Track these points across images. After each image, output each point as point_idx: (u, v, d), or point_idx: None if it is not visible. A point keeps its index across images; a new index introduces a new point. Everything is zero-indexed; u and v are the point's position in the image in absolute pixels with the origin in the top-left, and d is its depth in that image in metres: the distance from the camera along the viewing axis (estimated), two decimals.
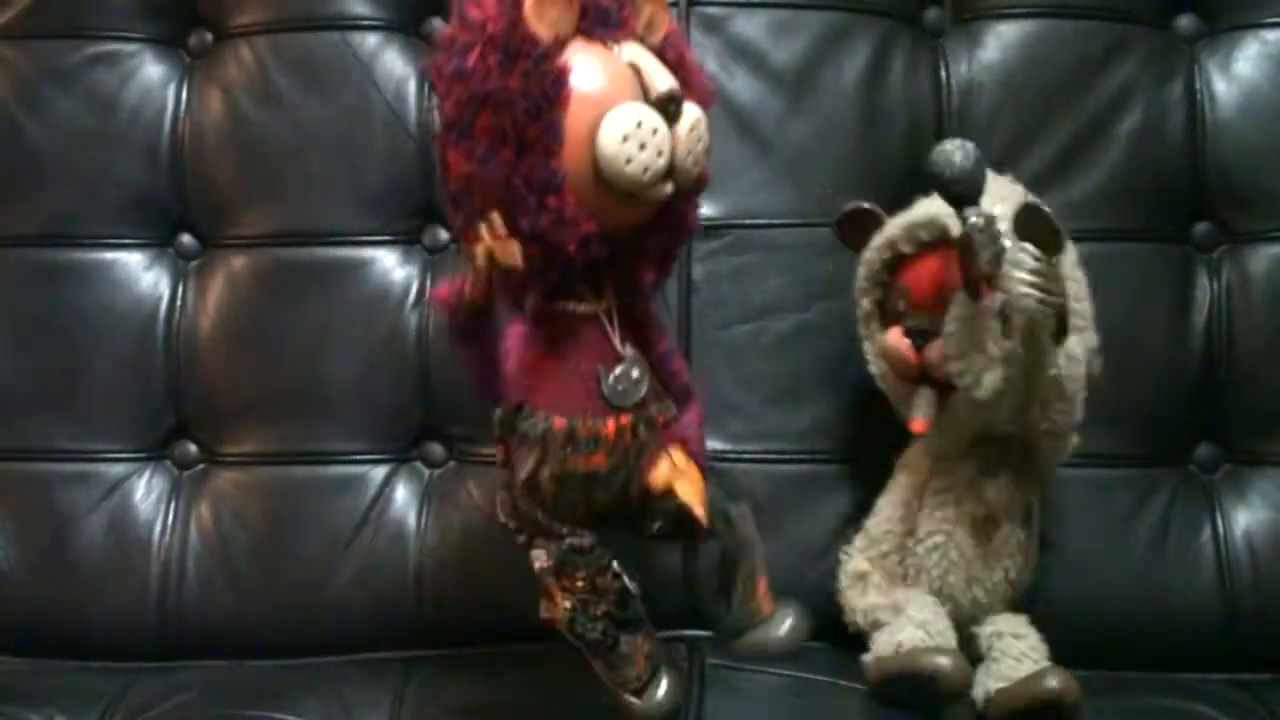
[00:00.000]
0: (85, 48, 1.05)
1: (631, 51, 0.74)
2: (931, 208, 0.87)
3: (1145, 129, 1.02)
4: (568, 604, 0.77)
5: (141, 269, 1.05)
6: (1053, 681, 0.83)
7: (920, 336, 0.86)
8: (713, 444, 1.02)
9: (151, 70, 1.06)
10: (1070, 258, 0.87)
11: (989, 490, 0.89)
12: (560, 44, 0.71)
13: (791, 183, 1.03)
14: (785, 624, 0.89)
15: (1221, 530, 0.99)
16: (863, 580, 0.93)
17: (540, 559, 0.78)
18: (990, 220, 0.78)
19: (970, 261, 0.79)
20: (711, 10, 1.04)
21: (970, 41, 1.04)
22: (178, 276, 1.06)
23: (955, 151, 0.79)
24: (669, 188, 0.73)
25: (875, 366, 0.93)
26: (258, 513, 1.02)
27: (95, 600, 1.00)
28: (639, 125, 0.70)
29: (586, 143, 0.71)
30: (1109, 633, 0.97)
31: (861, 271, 0.92)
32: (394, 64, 1.05)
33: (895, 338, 0.88)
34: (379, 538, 1.00)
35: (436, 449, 1.03)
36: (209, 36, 1.07)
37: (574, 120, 0.71)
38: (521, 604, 0.99)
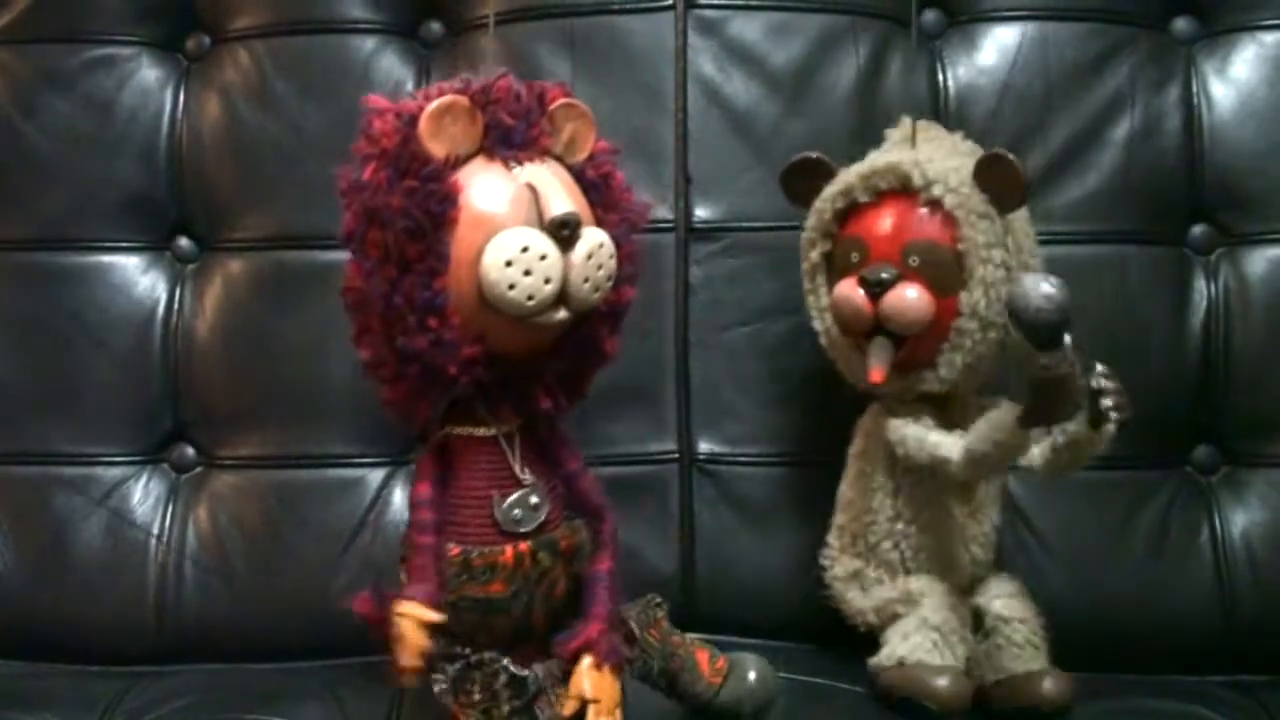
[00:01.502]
0: (82, 51, 1.05)
1: (533, 172, 0.71)
2: (892, 156, 0.87)
3: (1142, 131, 1.02)
4: (472, 717, 0.73)
5: (139, 272, 1.05)
6: (1049, 685, 0.84)
7: (878, 287, 0.84)
8: (710, 446, 1.02)
9: (149, 74, 1.06)
10: (1023, 214, 0.87)
11: None
12: (454, 163, 0.69)
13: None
14: (750, 675, 0.82)
15: (1219, 532, 0.99)
16: (858, 578, 0.92)
17: (439, 682, 0.73)
18: (1103, 374, 0.78)
19: (1050, 404, 0.76)
20: (709, 12, 1.04)
21: (967, 44, 1.05)
22: (175, 280, 1.06)
23: (1034, 289, 0.74)
24: (560, 314, 0.70)
25: (820, 323, 0.91)
26: (255, 516, 1.02)
27: (93, 603, 1.00)
28: (524, 250, 0.68)
29: (473, 265, 0.68)
30: (1107, 634, 0.97)
31: (811, 222, 0.90)
32: (391, 67, 1.05)
33: (850, 288, 0.86)
34: (377, 540, 1.00)
35: None
36: (206, 40, 1.07)
37: (461, 241, 0.69)
38: None
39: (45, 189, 1.04)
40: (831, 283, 0.89)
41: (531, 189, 0.70)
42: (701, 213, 1.03)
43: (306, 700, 0.91)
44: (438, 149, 0.69)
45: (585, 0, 1.04)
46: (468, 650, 0.73)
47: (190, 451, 1.05)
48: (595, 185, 0.74)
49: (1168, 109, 1.02)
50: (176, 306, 1.05)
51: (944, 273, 0.84)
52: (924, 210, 0.85)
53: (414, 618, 0.69)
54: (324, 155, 1.02)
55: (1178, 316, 1.01)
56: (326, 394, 1.01)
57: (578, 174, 0.74)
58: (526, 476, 0.75)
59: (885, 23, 1.04)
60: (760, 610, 1.00)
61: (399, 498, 1.02)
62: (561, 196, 0.71)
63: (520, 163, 0.71)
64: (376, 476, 1.02)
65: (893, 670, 0.85)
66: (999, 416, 0.80)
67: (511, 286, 0.68)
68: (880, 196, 0.86)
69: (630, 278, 0.76)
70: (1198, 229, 1.03)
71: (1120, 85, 1.02)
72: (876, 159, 0.88)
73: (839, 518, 0.93)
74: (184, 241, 1.06)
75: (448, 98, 0.69)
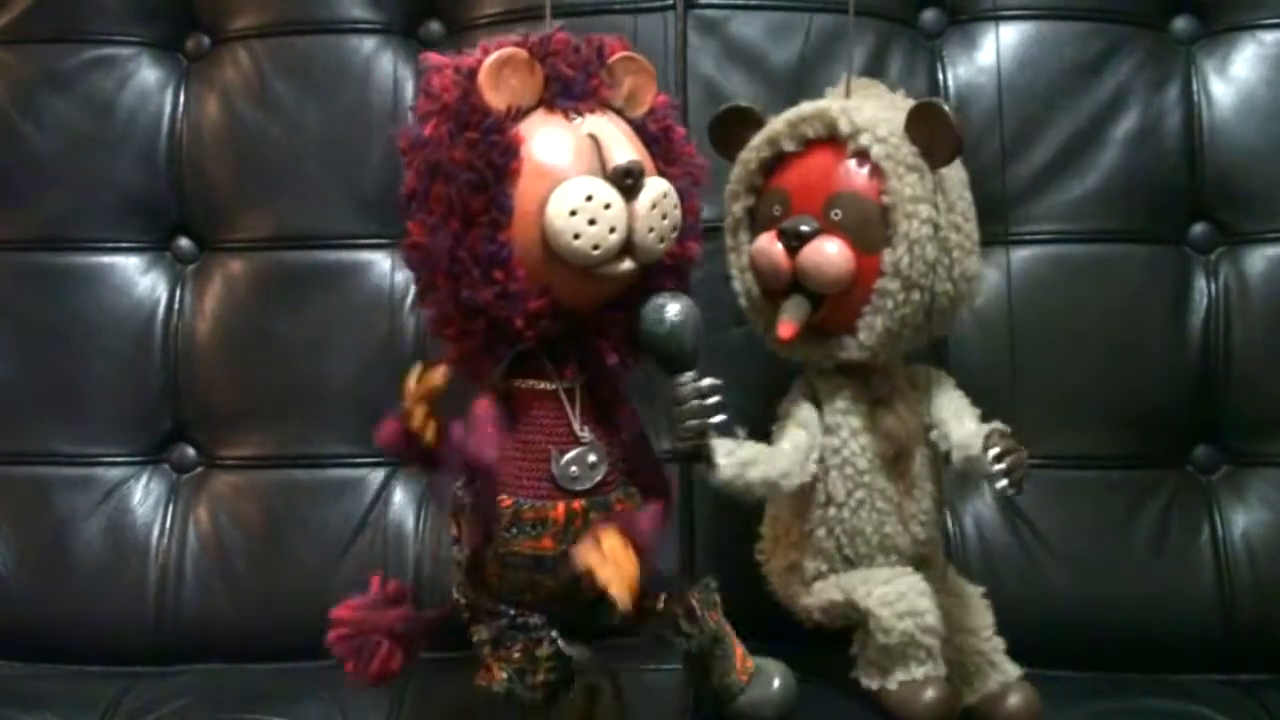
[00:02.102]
0: (82, 52, 1.05)
1: (594, 124, 0.71)
2: (821, 103, 0.83)
3: (1142, 131, 1.02)
4: (504, 674, 0.73)
5: (139, 272, 1.05)
6: (1015, 700, 0.83)
7: (795, 239, 0.80)
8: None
9: (148, 74, 1.06)
10: (958, 175, 0.83)
11: (890, 424, 0.84)
12: (514, 115, 0.70)
13: None
14: (774, 683, 0.83)
15: (1220, 531, 0.99)
16: (797, 572, 0.87)
17: (480, 633, 0.75)
18: (705, 390, 0.75)
19: (674, 428, 0.75)
20: (709, 12, 1.04)
21: (967, 44, 1.05)
22: (175, 280, 1.06)
23: (667, 306, 0.74)
24: (626, 264, 0.71)
25: (739, 283, 0.87)
26: (256, 516, 1.02)
27: (93, 604, 1.00)
28: (589, 199, 0.68)
29: (537, 216, 0.69)
30: (1108, 633, 0.97)
31: (736, 172, 0.86)
32: (391, 67, 1.05)
33: (768, 241, 0.81)
34: (378, 540, 1.00)
35: None
36: (206, 40, 1.07)
37: (524, 193, 0.69)
38: None
39: (45, 189, 1.04)
40: (754, 239, 0.84)
41: (594, 139, 0.70)
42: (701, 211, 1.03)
43: (306, 700, 0.91)
44: (498, 101, 0.69)
45: (586, 0, 1.04)
46: (512, 610, 0.74)
47: (190, 452, 1.05)
48: (656, 138, 0.74)
49: (1168, 108, 1.02)
50: (176, 306, 1.05)
51: (867, 228, 0.79)
52: (851, 161, 0.80)
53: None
54: (324, 155, 1.03)
55: (1178, 315, 1.01)
56: (327, 394, 1.02)
57: (639, 127, 0.74)
58: (585, 434, 0.74)
59: (885, 22, 1.04)
60: (760, 610, 1.00)
61: (399, 498, 1.02)
62: (624, 146, 0.71)
63: (581, 114, 0.71)
64: (377, 476, 1.02)
65: (878, 694, 0.83)
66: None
67: (577, 236, 0.68)
68: (807, 146, 0.82)
69: (694, 231, 0.76)
70: (1198, 228, 1.03)
71: (1120, 84, 1.02)
72: (805, 107, 0.83)
73: (770, 508, 0.90)
74: (184, 241, 1.06)
75: (506, 50, 0.69)
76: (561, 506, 0.73)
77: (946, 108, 0.79)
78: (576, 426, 0.74)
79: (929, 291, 0.80)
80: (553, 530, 0.73)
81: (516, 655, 0.72)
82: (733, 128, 0.87)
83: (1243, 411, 1.00)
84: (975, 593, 0.88)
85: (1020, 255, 1.01)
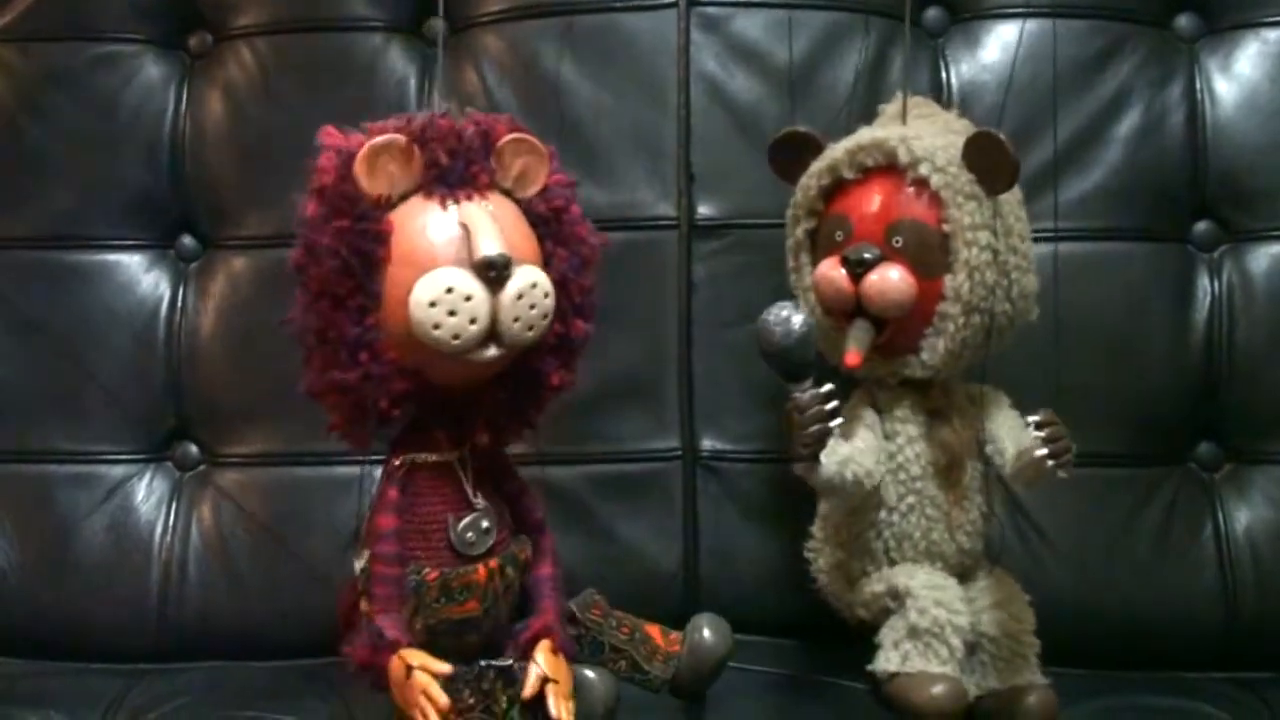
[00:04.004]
0: (86, 49, 1.05)
1: (469, 212, 0.71)
2: (879, 132, 0.85)
3: (1145, 128, 1.02)
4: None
5: (142, 270, 1.05)
6: (1033, 701, 0.83)
7: (859, 266, 0.82)
8: (713, 443, 1.02)
9: (152, 71, 1.06)
10: (1014, 196, 0.85)
11: (945, 436, 0.86)
12: (386, 203, 0.70)
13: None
14: (704, 632, 0.83)
15: (1223, 529, 0.99)
16: (843, 569, 0.90)
17: None
18: (824, 396, 0.77)
19: (791, 436, 0.78)
20: (711, 10, 1.04)
21: (970, 42, 1.05)
22: (178, 278, 1.06)
23: (791, 319, 0.76)
24: (491, 351, 0.71)
25: (802, 302, 0.89)
26: (259, 514, 1.02)
27: (96, 601, 1.00)
28: (449, 291, 0.69)
29: (404, 303, 0.69)
30: (1110, 631, 0.97)
31: (796, 198, 0.88)
32: (394, 64, 1.05)
33: (831, 268, 0.83)
34: None
35: None
36: (209, 38, 1.07)
37: (393, 279, 0.70)
38: None
39: (49, 187, 1.05)
40: (815, 261, 0.87)
41: (464, 228, 0.71)
42: (704, 210, 1.03)
43: (309, 698, 0.91)
44: (372, 187, 0.70)
45: None
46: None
47: (193, 449, 1.05)
48: (545, 219, 0.75)
49: (1171, 106, 1.02)
50: (179, 304, 1.05)
51: (928, 254, 0.82)
52: (910, 189, 0.83)
53: (429, 670, 0.70)
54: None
55: (1181, 313, 1.01)
56: None
57: (527, 208, 0.74)
58: (479, 501, 0.76)
59: (888, 20, 1.04)
60: (763, 607, 1.00)
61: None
62: (492, 236, 0.70)
63: (458, 200, 0.71)
64: (379, 474, 1.02)
65: (887, 683, 0.83)
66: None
67: (437, 326, 0.69)
68: (867, 174, 0.84)
69: (583, 311, 0.76)
70: (1201, 226, 1.03)
71: (1123, 82, 1.02)
72: (864, 134, 0.86)
73: (822, 507, 0.92)
74: (187, 240, 1.06)
75: (384, 137, 0.70)
76: (483, 569, 0.75)
77: (1003, 137, 0.80)
78: (470, 494, 0.76)
79: (989, 314, 0.82)
80: (477, 593, 0.75)
81: (471, 700, 0.73)
82: (790, 152, 0.89)
83: (1246, 409, 1.00)
84: (1023, 595, 0.89)
85: None
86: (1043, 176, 1.00)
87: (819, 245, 0.87)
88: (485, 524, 0.76)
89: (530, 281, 0.71)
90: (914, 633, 0.82)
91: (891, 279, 0.82)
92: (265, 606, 1.00)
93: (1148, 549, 0.98)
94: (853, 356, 0.83)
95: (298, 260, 0.73)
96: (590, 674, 0.81)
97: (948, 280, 0.82)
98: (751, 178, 1.01)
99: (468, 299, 0.69)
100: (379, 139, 0.70)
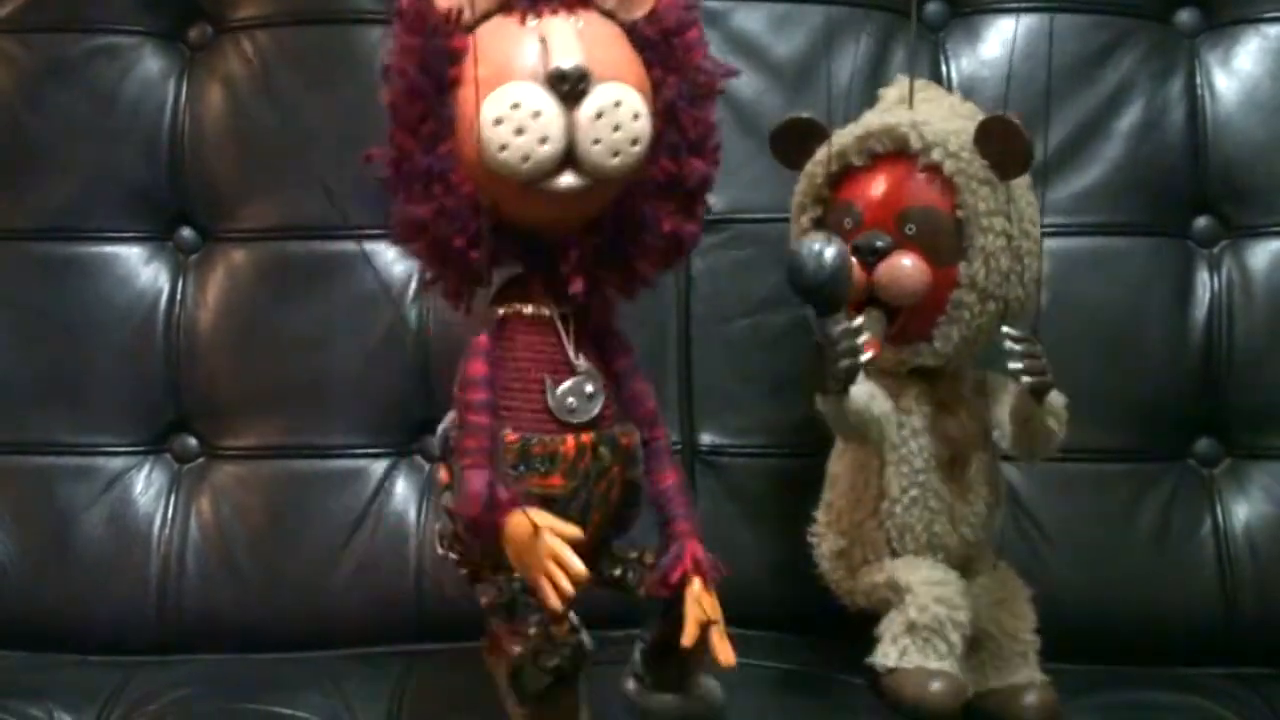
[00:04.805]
0: (85, 41, 1.05)
1: (550, 25, 0.65)
2: (889, 118, 0.83)
3: (1146, 124, 1.02)
4: (518, 650, 0.67)
5: (141, 263, 1.05)
6: (1031, 699, 0.83)
7: (871, 255, 0.80)
8: (712, 437, 1.02)
9: (151, 64, 1.06)
10: (1024, 180, 0.83)
11: (950, 428, 0.85)
12: (458, 18, 0.65)
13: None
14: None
15: (1222, 524, 0.99)
16: (845, 558, 0.88)
17: (488, 594, 0.69)
18: (856, 329, 0.76)
19: (827, 366, 0.76)
20: (712, 4, 1.04)
21: (970, 36, 1.04)
22: (177, 270, 1.05)
23: (824, 251, 0.74)
24: (568, 179, 0.65)
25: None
26: (258, 506, 1.02)
27: (95, 594, 1.00)
28: (515, 107, 0.63)
29: (474, 126, 0.64)
30: (1109, 626, 0.97)
31: (801, 185, 0.86)
32: None
33: None
34: (379, 531, 1.00)
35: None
36: (209, 30, 1.07)
37: (465, 101, 0.65)
38: None
39: (47, 179, 1.04)
40: None
41: (542, 42, 0.65)
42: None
43: (308, 690, 0.91)
44: (447, 2, 0.65)
45: None
46: (519, 580, 0.67)
47: (192, 442, 1.05)
48: (654, 43, 0.68)
49: (1171, 101, 1.02)
50: (179, 297, 1.05)
51: (942, 241, 0.81)
52: (922, 175, 0.81)
53: (560, 534, 0.64)
54: (327, 145, 1.03)
55: (1181, 309, 1.01)
56: (329, 384, 1.01)
57: (633, 32, 0.68)
58: (581, 363, 0.70)
59: (888, 14, 1.04)
60: (762, 602, 1.00)
61: (401, 488, 1.02)
62: (570, 48, 0.64)
63: (539, 15, 0.65)
64: (379, 467, 1.02)
65: (885, 677, 0.82)
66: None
67: (504, 147, 0.63)
68: (875, 160, 0.83)
69: (701, 148, 0.69)
70: (1201, 221, 1.03)
71: (1124, 77, 1.02)
72: (872, 120, 0.84)
73: (826, 494, 0.91)
74: (186, 232, 1.06)
75: None
76: (571, 440, 0.68)
77: (1017, 121, 0.79)
78: (572, 354, 0.69)
79: (1003, 300, 0.81)
80: (563, 466, 0.68)
81: (533, 632, 0.67)
82: (794, 139, 0.87)
83: (1245, 405, 1.00)
84: (1024, 589, 0.88)
85: None
86: (1043, 173, 1.00)
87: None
88: (589, 388, 0.69)
89: (613, 99, 0.64)
90: (913, 629, 0.81)
91: (905, 267, 0.80)
92: (264, 599, 1.00)
93: (1146, 544, 0.99)
94: (870, 345, 0.80)
95: (386, 96, 0.67)
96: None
97: (962, 267, 0.80)
98: (751, 172, 1.01)
99: (536, 115, 0.63)
100: None
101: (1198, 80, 1.03)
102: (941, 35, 1.05)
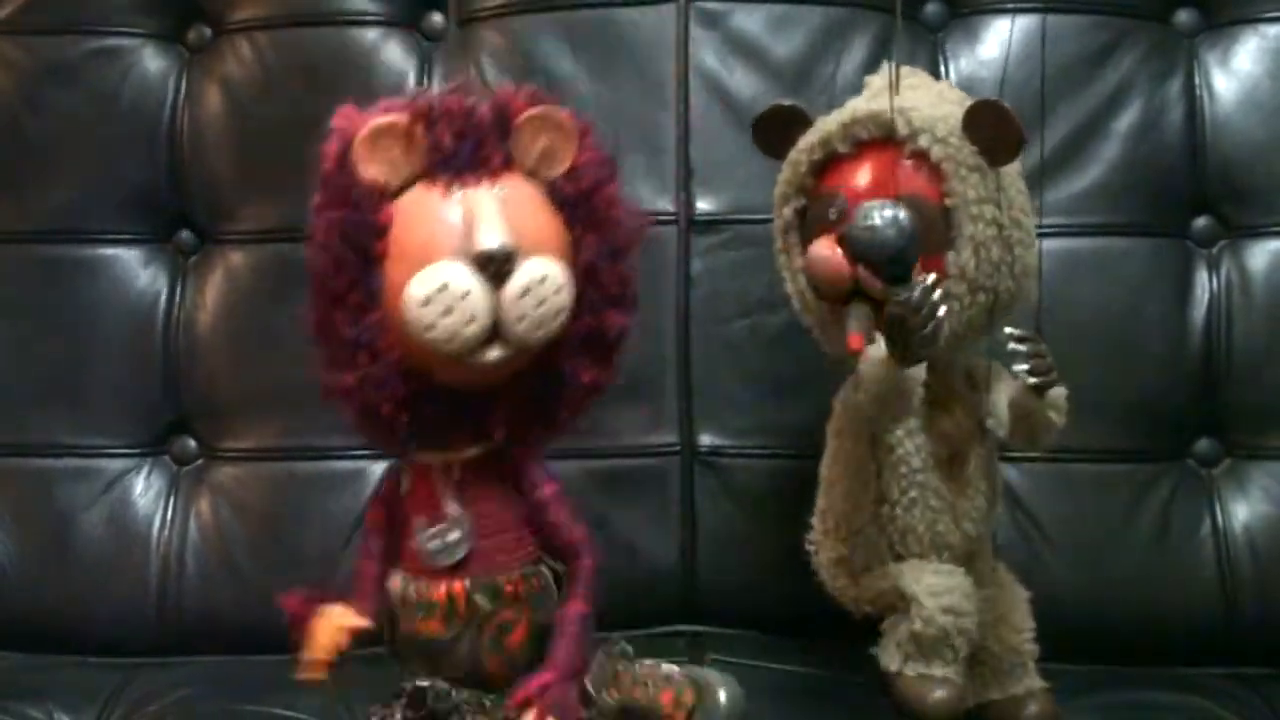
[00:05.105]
0: (84, 43, 1.05)
1: (475, 198, 0.65)
2: (874, 104, 0.79)
3: (1144, 124, 1.02)
4: None
5: (140, 265, 1.05)
6: (1034, 709, 0.83)
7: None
8: (711, 438, 1.02)
9: (151, 65, 1.06)
10: (1014, 168, 0.79)
11: (946, 425, 0.82)
12: (385, 190, 0.64)
13: None
14: (720, 695, 0.78)
15: (1221, 525, 0.99)
16: (845, 565, 0.85)
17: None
18: (931, 286, 0.71)
19: (900, 339, 0.72)
20: (711, 5, 1.04)
21: (969, 36, 1.04)
22: (176, 272, 1.06)
23: (898, 215, 0.72)
24: (495, 353, 0.65)
25: (792, 285, 0.83)
26: (257, 508, 1.02)
27: (95, 595, 1.01)
28: (442, 288, 0.63)
29: (401, 302, 0.64)
30: (1109, 626, 0.97)
31: (785, 174, 0.82)
32: (394, 59, 1.05)
33: (827, 247, 0.75)
34: None
35: None
36: (208, 31, 1.07)
37: (391, 276, 0.64)
38: None
39: (47, 181, 1.05)
40: (806, 242, 0.79)
41: (465, 217, 0.64)
42: (703, 205, 1.03)
43: (307, 692, 0.91)
44: (370, 174, 0.64)
45: None
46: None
47: (191, 443, 1.05)
48: (573, 202, 0.68)
49: (1170, 101, 1.02)
50: (178, 299, 1.05)
51: (930, 231, 0.75)
52: (908, 163, 0.77)
53: (333, 618, 0.69)
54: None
55: (1180, 309, 1.01)
56: None
57: (553, 191, 0.68)
58: (452, 508, 0.70)
59: (886, 15, 1.04)
60: (762, 603, 1.00)
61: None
62: (494, 226, 0.64)
63: (464, 186, 0.65)
64: (378, 468, 1.02)
65: (888, 676, 0.81)
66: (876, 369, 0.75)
67: (431, 327, 0.63)
68: (860, 147, 0.78)
69: (621, 302, 0.70)
70: (1200, 221, 1.03)
71: (1123, 78, 1.02)
72: (858, 106, 0.80)
73: (821, 501, 0.88)
74: (185, 234, 1.06)
75: (384, 118, 0.64)
76: (443, 588, 0.69)
77: (1007, 105, 0.76)
78: (443, 501, 0.70)
79: (993, 291, 0.78)
80: (438, 613, 0.70)
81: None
82: (777, 127, 0.83)
83: (1244, 405, 1.00)
84: (1022, 595, 0.87)
85: None
86: (1042, 173, 1.00)
87: (809, 224, 0.81)
88: (454, 535, 0.70)
89: (538, 275, 0.65)
90: (917, 640, 0.80)
91: None
92: (263, 600, 0.99)
93: (1146, 544, 0.98)
94: (857, 340, 0.75)
95: (306, 254, 0.67)
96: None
97: (950, 257, 0.76)
98: (750, 173, 1.01)
99: (464, 296, 0.63)
100: (379, 120, 0.64)
101: (1197, 80, 1.03)
102: (941, 36, 1.05)
